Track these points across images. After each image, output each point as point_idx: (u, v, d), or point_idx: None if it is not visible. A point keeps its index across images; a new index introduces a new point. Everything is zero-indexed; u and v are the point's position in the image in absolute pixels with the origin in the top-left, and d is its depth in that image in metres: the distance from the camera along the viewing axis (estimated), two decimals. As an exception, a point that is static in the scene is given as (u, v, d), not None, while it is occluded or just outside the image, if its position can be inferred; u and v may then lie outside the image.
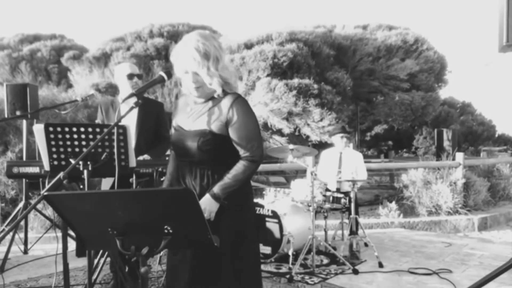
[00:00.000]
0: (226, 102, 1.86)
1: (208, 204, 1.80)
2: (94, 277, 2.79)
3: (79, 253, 2.54)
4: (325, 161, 4.92)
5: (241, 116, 1.84)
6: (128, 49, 12.95)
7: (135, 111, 3.09)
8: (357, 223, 4.25)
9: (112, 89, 10.76)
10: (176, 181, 2.02)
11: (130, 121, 2.90)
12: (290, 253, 3.89)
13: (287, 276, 3.57)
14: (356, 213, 4.32)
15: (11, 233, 4.02)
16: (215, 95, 1.89)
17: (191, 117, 1.94)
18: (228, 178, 1.82)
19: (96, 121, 3.26)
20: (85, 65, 12.75)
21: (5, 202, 5.80)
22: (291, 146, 4.02)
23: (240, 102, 1.86)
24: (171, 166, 2.11)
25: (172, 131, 2.03)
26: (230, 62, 8.98)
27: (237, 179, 1.83)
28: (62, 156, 2.25)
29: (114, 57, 12.54)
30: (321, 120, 8.99)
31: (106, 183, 3.03)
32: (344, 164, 4.75)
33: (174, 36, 12.96)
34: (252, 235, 2.00)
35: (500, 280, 2.94)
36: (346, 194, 4.30)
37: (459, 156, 7.09)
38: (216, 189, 1.81)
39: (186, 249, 1.84)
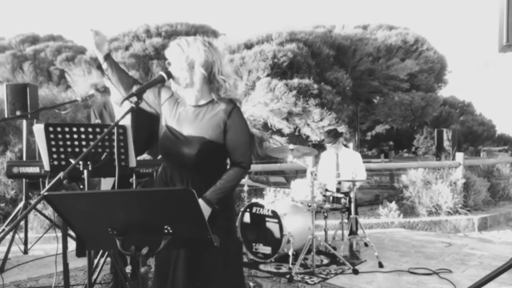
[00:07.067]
0: (224, 109, 1.88)
1: None
2: (94, 277, 2.79)
3: (79, 253, 2.54)
4: (324, 163, 4.92)
5: (239, 124, 1.90)
6: (127, 49, 12.92)
7: None
8: (357, 223, 4.25)
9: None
10: (164, 185, 2.00)
11: (125, 122, 2.88)
12: (290, 253, 3.89)
13: (287, 276, 3.57)
14: (356, 213, 4.33)
15: (11, 233, 4.02)
16: (211, 99, 1.91)
17: (185, 121, 1.92)
18: (220, 183, 1.87)
19: None
20: (83, 66, 12.71)
21: (5, 202, 5.80)
22: (291, 146, 4.02)
23: (238, 111, 1.92)
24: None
25: (163, 130, 1.96)
26: (229, 62, 8.97)
27: (229, 185, 1.88)
28: (62, 156, 2.25)
29: (113, 57, 12.49)
30: (321, 120, 8.98)
31: (106, 184, 3.03)
32: (342, 165, 4.75)
33: (173, 35, 12.91)
34: (235, 233, 2.13)
35: (500, 280, 2.94)
36: (346, 194, 4.30)
37: (459, 156, 7.09)
38: (209, 194, 1.84)
39: (182, 250, 1.87)
